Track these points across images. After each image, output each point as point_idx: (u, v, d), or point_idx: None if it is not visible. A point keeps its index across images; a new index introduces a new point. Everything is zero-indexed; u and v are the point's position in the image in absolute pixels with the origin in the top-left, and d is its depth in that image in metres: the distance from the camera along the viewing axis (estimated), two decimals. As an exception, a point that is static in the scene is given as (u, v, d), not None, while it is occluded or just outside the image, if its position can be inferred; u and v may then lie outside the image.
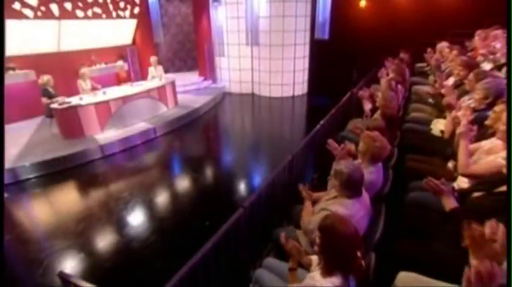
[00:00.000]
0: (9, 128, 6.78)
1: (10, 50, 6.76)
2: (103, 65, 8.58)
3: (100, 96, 6.34)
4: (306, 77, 10.06)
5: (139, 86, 7.19)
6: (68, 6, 7.00)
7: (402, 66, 5.50)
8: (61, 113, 5.76)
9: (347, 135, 3.93)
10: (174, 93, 7.87)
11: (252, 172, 5.39)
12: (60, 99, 5.90)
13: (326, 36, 8.50)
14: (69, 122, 5.87)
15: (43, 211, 4.52)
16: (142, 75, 9.01)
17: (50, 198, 4.77)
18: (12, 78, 6.83)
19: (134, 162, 5.73)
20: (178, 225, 3.85)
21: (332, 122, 4.31)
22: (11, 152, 5.49)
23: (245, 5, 8.86)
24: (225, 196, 4.49)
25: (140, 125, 6.65)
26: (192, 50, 11.18)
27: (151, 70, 7.81)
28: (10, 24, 6.40)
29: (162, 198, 4.52)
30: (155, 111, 7.20)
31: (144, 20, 9.10)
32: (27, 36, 6.84)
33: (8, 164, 4.94)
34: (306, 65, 9.87)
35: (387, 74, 6.09)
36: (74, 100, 5.97)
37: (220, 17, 9.39)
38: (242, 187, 4.79)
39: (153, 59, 7.72)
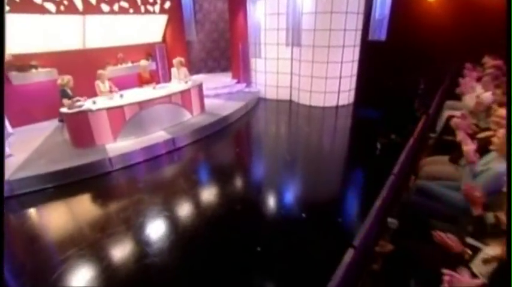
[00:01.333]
0: (28, 129, 6.39)
1: (32, 47, 6.33)
2: (129, 64, 7.96)
3: (115, 100, 5.60)
4: (353, 85, 8.60)
5: (162, 89, 6.37)
6: (93, 0, 6.39)
7: (502, 78, 3.94)
8: (70, 118, 5.09)
9: (425, 187, 2.59)
10: (201, 98, 6.95)
11: (287, 191, 4.40)
12: (74, 100, 5.24)
13: (383, 37, 7.01)
14: (79, 129, 5.18)
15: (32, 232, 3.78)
16: (170, 76, 8.26)
17: (42, 218, 4.05)
18: (35, 76, 6.40)
19: (146, 179, 4.88)
20: (205, 248, 3.02)
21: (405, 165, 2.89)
22: (18, 157, 4.95)
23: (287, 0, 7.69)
24: (259, 216, 3.70)
25: (158, 135, 5.81)
26: (227, 50, 10.27)
27: (174, 72, 6.98)
28: (31, 19, 5.92)
29: (179, 223, 3.55)
30: (177, 119, 6.33)
31: (175, 15, 8.34)
32: (49, 33, 6.35)
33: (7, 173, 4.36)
34: (355, 71, 8.42)
35: (472, 88, 4.56)
36: (87, 104, 5.27)
37: (258, 13, 8.31)
38: (276, 207, 3.94)
39: (176, 60, 6.88)
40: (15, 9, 5.58)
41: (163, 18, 8.18)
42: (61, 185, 4.53)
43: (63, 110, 5.07)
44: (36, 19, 5.98)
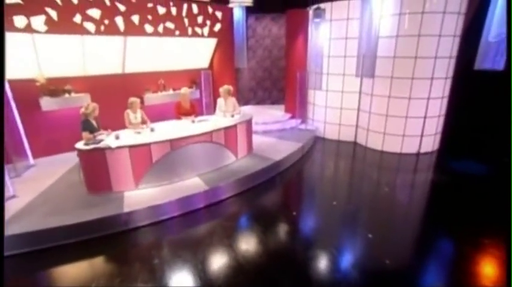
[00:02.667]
0: (52, 161, 5.57)
1: (68, 70, 5.67)
2: (170, 92, 7.05)
3: (144, 135, 4.49)
4: (440, 128, 6.66)
5: (202, 123, 5.18)
6: (136, 19, 5.64)
7: None
8: (85, 156, 4.02)
9: None
10: (249, 136, 5.62)
11: (347, 253, 2.93)
12: (96, 135, 4.23)
13: (500, 66, 5.14)
14: (94, 171, 4.09)
15: None
16: (215, 106, 7.18)
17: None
18: (66, 102, 5.65)
19: (168, 247, 3.48)
20: None
21: None
22: (20, 201, 3.96)
23: (360, 21, 6.28)
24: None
25: (192, 183, 4.50)
26: (280, 80, 9.07)
27: (221, 103, 5.81)
28: (69, 40, 5.28)
29: None
30: (217, 162, 5.01)
31: (225, 40, 7.42)
32: (87, 55, 5.67)
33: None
34: (443, 110, 6.51)
35: None
36: (108, 139, 4.20)
37: (322, 38, 7.01)
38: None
39: (223, 88, 5.71)
40: (53, 30, 4.95)
41: (212, 42, 7.28)
42: (52, 248, 3.34)
43: (78, 145, 4.03)
44: (74, 40, 5.33)
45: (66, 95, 5.68)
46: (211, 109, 7.64)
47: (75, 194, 4.18)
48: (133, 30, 5.74)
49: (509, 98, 5.66)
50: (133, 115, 4.99)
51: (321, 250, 3.33)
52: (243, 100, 8.99)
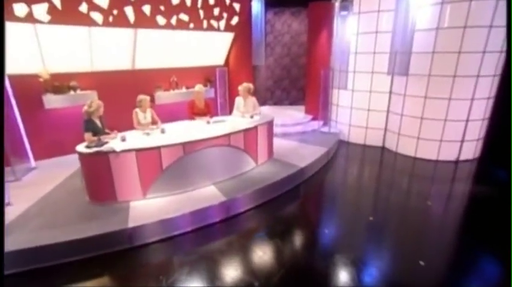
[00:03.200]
0: (55, 163, 5.13)
1: (74, 65, 5.22)
2: (183, 90, 6.54)
3: (154, 137, 3.96)
4: (483, 133, 5.91)
5: (219, 123, 4.63)
6: (147, 10, 5.15)
7: None
8: (86, 160, 3.51)
9: None
10: (270, 139, 5.04)
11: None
12: (102, 137, 3.73)
13: None
14: (96, 177, 3.57)
15: None
16: (231, 107, 6.64)
17: None
18: (72, 100, 5.20)
19: (180, 266, 2.91)
20: None
21: None
22: (15, 209, 3.51)
23: (395, 12, 5.64)
24: None
25: (206, 192, 3.95)
26: (300, 79, 8.47)
27: (239, 102, 5.25)
28: (75, 32, 4.82)
29: None
30: (235, 168, 4.44)
31: (243, 35, 6.87)
32: (94, 49, 5.21)
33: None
34: (488, 113, 5.76)
35: None
36: (114, 141, 3.69)
37: (349, 32, 6.38)
38: None
39: (243, 87, 5.16)
40: (56, 20, 4.50)
41: (229, 36, 6.74)
42: (43, 270, 2.83)
43: (79, 148, 3.53)
44: (80, 32, 4.88)
45: (72, 92, 5.23)
46: (226, 110, 7.11)
47: (75, 203, 3.68)
48: (144, 21, 5.25)
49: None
50: (143, 115, 4.48)
51: (363, 279, 2.70)
52: (259, 100, 8.38)
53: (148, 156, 3.61)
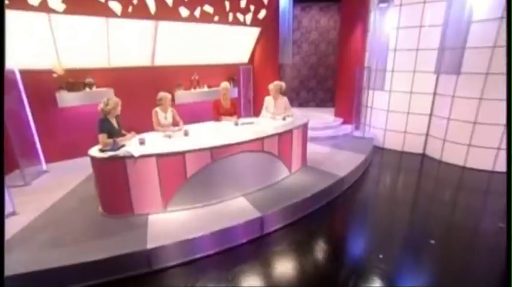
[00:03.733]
0: (68, 166, 4.72)
1: (90, 60, 4.82)
2: (205, 89, 6.06)
3: (177, 140, 3.45)
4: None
5: (248, 126, 4.09)
6: (169, 1, 4.69)
7: None
8: (100, 166, 3.03)
9: None
10: (304, 145, 4.47)
11: None
12: (118, 140, 3.24)
13: None
14: (112, 186, 3.08)
15: None
16: (256, 108, 6.12)
17: None
18: (87, 98, 4.80)
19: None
20: None
21: None
22: (19, 221, 3.06)
23: (447, 2, 4.97)
24: None
25: (236, 205, 3.40)
26: (327, 79, 7.86)
27: (269, 102, 4.70)
28: (91, 23, 4.41)
29: None
30: (268, 178, 3.88)
31: (270, 30, 6.35)
32: (111, 42, 4.80)
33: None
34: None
35: None
36: (132, 145, 3.21)
37: (388, 27, 5.74)
38: None
39: (274, 85, 4.60)
40: (72, 9, 4.10)
41: (255, 32, 6.22)
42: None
43: (92, 151, 3.05)
44: (97, 24, 4.46)
45: (87, 90, 4.82)
46: (250, 111, 6.58)
47: (87, 214, 3.21)
48: (166, 13, 4.80)
49: None
50: (163, 114, 3.99)
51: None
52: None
53: (171, 162, 3.09)
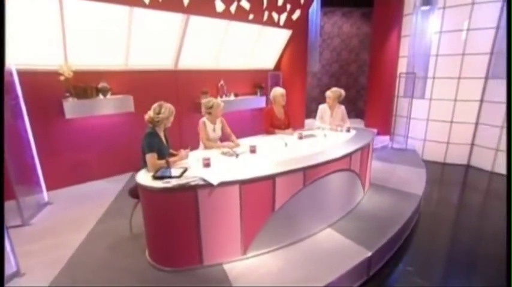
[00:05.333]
0: (77, 193, 3.67)
1: (103, 60, 3.88)
2: (231, 97, 5.27)
3: (243, 160, 2.62)
4: None
5: (310, 137, 3.36)
6: (207, -11, 3.94)
7: None
8: (156, 200, 2.11)
9: None
10: (371, 160, 3.78)
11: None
12: (173, 160, 2.35)
13: None
14: (174, 227, 2.16)
15: None
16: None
17: None
18: (102, 107, 3.82)
19: None
20: None
21: None
22: (29, 282, 2.01)
23: (500, 4, 4.67)
24: None
25: (328, 240, 2.61)
26: (350, 88, 7.37)
27: (325, 111, 4.03)
28: (111, 12, 3.52)
29: None
30: (348, 201, 3.14)
31: (300, 34, 5.74)
32: (132, 38, 3.91)
33: None
34: None
35: None
36: (200, 170, 2.33)
37: (430, 31, 5.37)
38: None
39: (332, 93, 3.97)
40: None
41: (286, 35, 5.58)
42: None
43: (143, 179, 2.14)
44: (118, 13, 3.58)
45: (100, 97, 3.84)
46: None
47: (131, 271, 2.24)
48: (200, 7, 4.02)
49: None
50: (212, 126, 3.18)
51: None
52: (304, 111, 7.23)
53: (257, 190, 2.25)
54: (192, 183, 2.04)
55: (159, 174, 2.16)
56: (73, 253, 2.48)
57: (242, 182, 2.17)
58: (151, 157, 2.30)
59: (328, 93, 3.96)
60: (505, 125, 5.02)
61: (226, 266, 2.25)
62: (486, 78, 5.14)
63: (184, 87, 4.70)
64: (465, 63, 5.25)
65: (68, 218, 3.10)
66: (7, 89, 2.99)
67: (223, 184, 2.10)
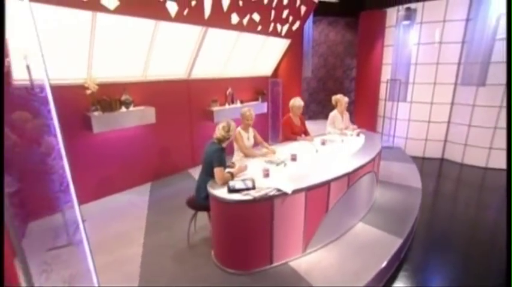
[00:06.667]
0: (103, 207, 3.65)
1: (124, 72, 3.88)
2: (238, 104, 5.48)
3: (288, 169, 2.92)
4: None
5: (332, 143, 3.76)
6: (226, 4, 4.10)
7: None
8: (233, 211, 2.34)
9: None
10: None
11: None
12: (234, 171, 2.56)
13: None
14: (250, 234, 2.40)
15: None
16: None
17: None
18: (125, 119, 3.82)
19: None
20: None
21: None
22: None
23: (473, 22, 5.49)
24: None
25: (363, 232, 3.02)
26: (335, 92, 7.87)
27: (337, 118, 4.45)
28: (138, 26, 3.55)
29: None
30: (370, 198, 3.60)
31: (297, 42, 6.12)
32: (153, 50, 3.95)
33: None
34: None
35: None
36: (261, 180, 2.58)
37: (410, 42, 6.10)
38: None
39: (340, 98, 4.42)
40: (125, 8, 3.21)
41: (285, 43, 5.92)
42: None
43: (220, 193, 2.34)
44: (145, 27, 3.62)
45: (123, 109, 3.84)
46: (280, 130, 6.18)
47: (201, 278, 2.43)
48: (218, 19, 4.18)
49: None
50: (246, 135, 3.41)
51: None
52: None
53: (317, 195, 2.57)
54: (271, 193, 2.29)
55: (234, 187, 2.36)
56: (140, 268, 2.57)
57: (308, 189, 2.47)
58: (220, 171, 2.49)
59: (336, 97, 4.38)
60: (472, 123, 5.92)
61: (291, 264, 2.54)
62: (455, 84, 6.00)
63: (196, 96, 4.81)
64: (439, 71, 6.07)
65: (110, 233, 3.12)
66: (41, 104, 2.92)
67: (293, 192, 2.39)
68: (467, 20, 5.59)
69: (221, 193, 2.35)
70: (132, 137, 4.09)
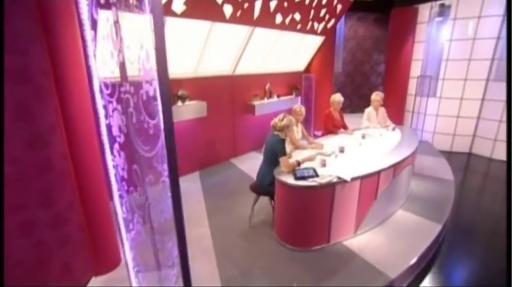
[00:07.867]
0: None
1: (180, 69, 4.26)
2: (275, 99, 5.79)
3: (338, 160, 3.24)
4: None
5: (370, 137, 4.06)
6: (273, 4, 4.39)
7: None
8: (300, 196, 2.69)
9: None
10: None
11: None
12: (298, 161, 2.90)
13: None
14: (310, 216, 2.76)
15: None
16: (317, 120, 6.09)
17: None
18: (182, 113, 4.22)
19: None
20: None
21: None
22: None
23: (502, 17, 5.58)
24: None
25: (403, 218, 3.34)
26: (362, 86, 8.14)
27: (372, 113, 4.71)
28: (195, 27, 3.88)
29: None
30: (408, 187, 3.90)
31: (330, 39, 6.33)
32: (206, 49, 4.31)
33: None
34: None
35: None
36: (317, 167, 2.92)
37: (442, 39, 6.21)
38: None
39: (380, 96, 4.66)
40: (190, 12, 3.54)
41: (319, 41, 6.15)
42: None
43: (287, 179, 2.69)
44: (201, 28, 3.96)
45: (179, 103, 4.23)
46: (312, 124, 6.49)
47: (268, 252, 2.81)
48: (265, 19, 4.47)
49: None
50: (296, 129, 3.73)
51: None
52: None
53: (369, 183, 2.91)
54: (334, 180, 2.63)
55: (301, 174, 2.71)
56: (213, 243, 2.97)
57: (362, 177, 2.80)
58: (286, 159, 2.84)
59: (377, 97, 4.62)
60: (503, 119, 6.04)
61: (345, 243, 2.89)
62: (487, 79, 6.10)
63: (238, 91, 5.15)
64: (472, 66, 6.17)
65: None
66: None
67: (351, 179, 2.72)
68: (504, 15, 5.66)
69: (288, 179, 2.70)
70: (185, 129, 4.48)
